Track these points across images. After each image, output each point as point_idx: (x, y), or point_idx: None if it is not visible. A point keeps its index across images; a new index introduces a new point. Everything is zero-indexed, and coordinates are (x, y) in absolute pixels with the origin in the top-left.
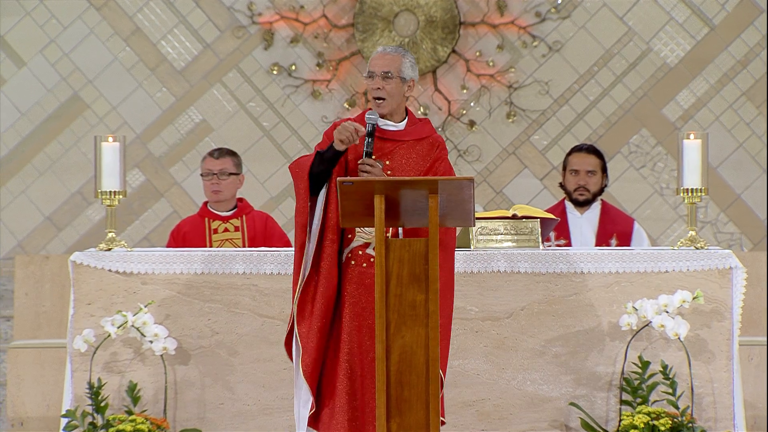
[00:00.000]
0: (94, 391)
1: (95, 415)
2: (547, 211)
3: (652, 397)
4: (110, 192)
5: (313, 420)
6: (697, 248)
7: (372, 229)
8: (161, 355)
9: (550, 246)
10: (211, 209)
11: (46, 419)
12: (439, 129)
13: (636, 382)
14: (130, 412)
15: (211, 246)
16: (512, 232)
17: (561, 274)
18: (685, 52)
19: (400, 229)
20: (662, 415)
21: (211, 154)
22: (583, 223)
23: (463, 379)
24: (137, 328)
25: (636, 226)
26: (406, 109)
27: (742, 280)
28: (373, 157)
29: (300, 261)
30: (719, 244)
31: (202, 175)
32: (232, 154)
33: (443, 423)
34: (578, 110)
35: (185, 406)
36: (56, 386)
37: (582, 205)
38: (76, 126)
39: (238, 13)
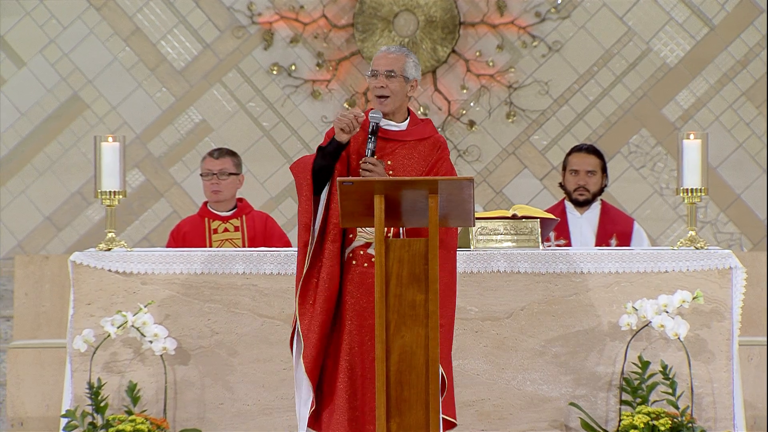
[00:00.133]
0: (94, 391)
1: (95, 415)
2: (547, 211)
3: (652, 397)
4: (110, 192)
5: (314, 420)
6: (697, 248)
7: (373, 229)
8: (161, 355)
9: (549, 246)
10: (210, 209)
11: (46, 419)
12: (439, 129)
13: (636, 382)
14: (129, 412)
15: (210, 246)
16: (512, 232)
17: (561, 274)
18: (685, 52)
19: (402, 229)
20: (662, 415)
21: (210, 154)
22: (583, 223)
23: (463, 379)
24: (137, 328)
25: (636, 226)
26: (408, 110)
27: (742, 280)
28: (375, 156)
29: (303, 260)
30: (719, 244)
31: (201, 175)
32: (231, 154)
33: (455, 425)
34: (578, 110)
35: (185, 406)
36: (56, 386)
37: (582, 205)
38: (75, 126)
39: (237, 13)
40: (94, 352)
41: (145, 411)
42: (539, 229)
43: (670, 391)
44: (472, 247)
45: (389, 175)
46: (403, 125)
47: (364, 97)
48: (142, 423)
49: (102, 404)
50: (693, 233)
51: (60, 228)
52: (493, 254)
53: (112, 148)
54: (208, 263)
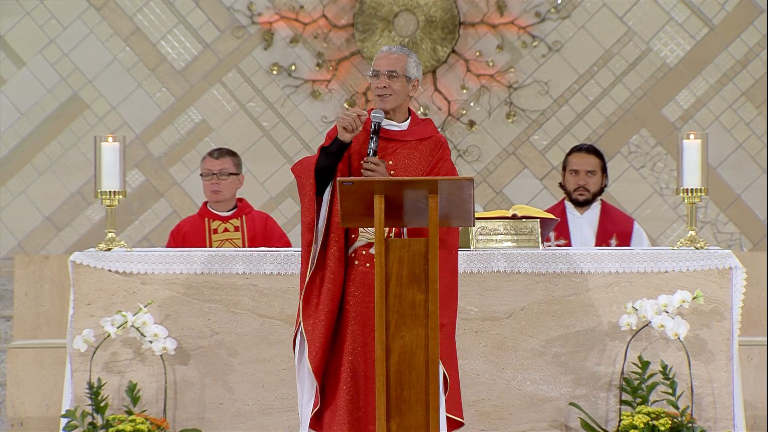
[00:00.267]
0: (94, 391)
1: (95, 415)
2: (547, 211)
3: (652, 397)
4: (110, 192)
5: (315, 421)
6: (696, 248)
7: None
8: (161, 355)
9: (549, 246)
10: (210, 209)
11: (46, 419)
12: (439, 129)
13: (636, 382)
14: (129, 412)
15: (210, 246)
16: (512, 232)
17: (561, 274)
18: (685, 52)
19: (404, 230)
20: (662, 415)
21: (210, 154)
22: (583, 223)
23: (463, 379)
24: (137, 328)
25: (636, 226)
26: (409, 109)
27: (742, 280)
28: (377, 156)
29: (306, 260)
30: (719, 244)
31: (201, 175)
32: (231, 154)
33: (462, 424)
34: (578, 110)
35: (185, 406)
36: (56, 386)
37: (582, 205)
38: (75, 126)
39: (237, 13)
40: (94, 352)
41: (145, 411)
42: (539, 229)
43: (670, 391)
44: (472, 247)
45: (390, 175)
46: (404, 125)
47: (364, 97)
48: (142, 423)
49: (102, 404)
50: (693, 233)
51: (60, 228)
52: (493, 254)
53: (112, 148)
54: (208, 263)
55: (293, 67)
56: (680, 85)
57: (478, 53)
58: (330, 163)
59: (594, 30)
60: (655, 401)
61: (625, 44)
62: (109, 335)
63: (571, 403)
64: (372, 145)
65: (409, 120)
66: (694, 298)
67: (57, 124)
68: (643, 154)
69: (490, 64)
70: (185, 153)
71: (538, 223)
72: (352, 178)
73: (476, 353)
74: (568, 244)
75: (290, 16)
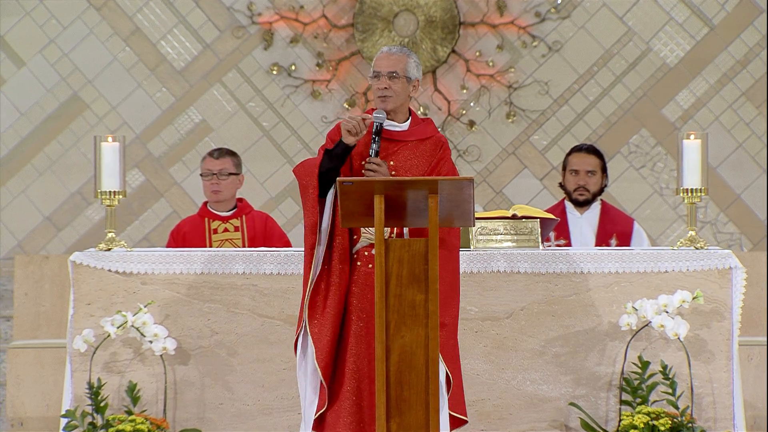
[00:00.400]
0: (94, 391)
1: (95, 415)
2: (547, 211)
3: (652, 397)
4: (110, 192)
5: (317, 423)
6: (696, 248)
7: None
8: (161, 355)
9: (549, 246)
10: (210, 209)
11: (46, 419)
12: (439, 129)
13: (636, 382)
14: (129, 412)
15: (210, 246)
16: (512, 232)
17: (561, 274)
18: (685, 52)
19: (406, 230)
20: (662, 415)
21: (210, 154)
22: (583, 223)
23: (464, 379)
24: (137, 328)
25: (636, 226)
26: (410, 109)
27: (742, 280)
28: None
29: (310, 263)
30: (719, 244)
31: (201, 175)
32: (231, 154)
33: (465, 422)
34: (578, 110)
35: (185, 406)
36: (56, 386)
37: (582, 205)
38: (75, 126)
39: (237, 13)
40: (94, 352)
41: (145, 411)
42: (539, 229)
43: (670, 391)
44: (472, 247)
45: (392, 175)
46: (405, 125)
47: (364, 97)
48: (142, 423)
49: (102, 404)
50: (693, 233)
51: (60, 228)
52: (493, 254)
53: (112, 148)
54: (208, 263)
55: (293, 67)
56: (680, 85)
57: (478, 53)
58: (333, 165)
59: (594, 30)
60: (655, 401)
61: (625, 44)
62: (109, 335)
63: (571, 403)
64: (374, 146)
65: (409, 120)
66: (694, 298)
67: (57, 124)
68: (643, 154)
69: (490, 64)
70: (185, 153)
71: (538, 223)
72: (352, 178)
73: (476, 353)
74: (568, 244)
75: (290, 16)
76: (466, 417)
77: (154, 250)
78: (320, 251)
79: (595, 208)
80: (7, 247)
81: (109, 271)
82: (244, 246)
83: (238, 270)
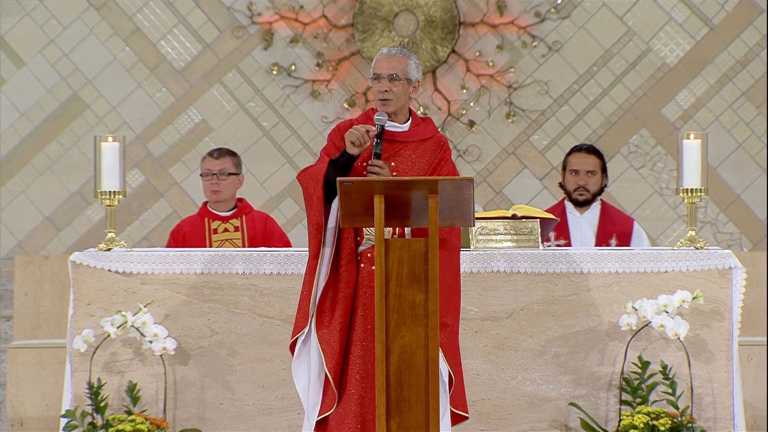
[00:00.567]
0: (94, 391)
1: (95, 415)
2: (547, 211)
3: (652, 397)
4: (110, 192)
5: (319, 424)
6: (696, 248)
7: None
8: (161, 355)
9: (549, 246)
10: (210, 209)
11: (46, 419)
12: (439, 129)
13: (636, 382)
14: (129, 412)
15: (210, 246)
16: (512, 232)
17: (561, 274)
18: (685, 52)
19: (407, 230)
20: (662, 415)
21: (210, 154)
22: (583, 223)
23: (464, 379)
24: (137, 328)
25: (636, 226)
26: (410, 110)
27: (742, 280)
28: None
29: (313, 270)
30: (719, 244)
31: (201, 175)
32: (231, 154)
33: (466, 418)
34: (578, 110)
35: (185, 406)
36: (56, 386)
37: (582, 205)
38: (75, 126)
39: (237, 13)
40: (94, 352)
41: (144, 411)
42: (539, 229)
43: (670, 391)
44: (472, 247)
45: (393, 176)
46: (406, 126)
47: (364, 97)
48: (142, 423)
49: (102, 404)
50: (693, 233)
51: (60, 228)
52: (493, 254)
53: (112, 148)
54: (208, 263)
55: (293, 67)
56: (680, 85)
57: (478, 53)
58: (338, 175)
59: (594, 30)
60: (655, 401)
61: (625, 44)
62: (109, 335)
63: (571, 403)
64: (376, 148)
65: (410, 121)
66: (694, 298)
67: (57, 124)
68: (643, 154)
69: (490, 64)
70: (185, 153)
71: (538, 223)
72: (352, 178)
73: (476, 353)
74: (568, 244)
75: (290, 16)
76: (467, 414)
77: (154, 250)
78: (325, 260)
79: (595, 208)
80: (7, 247)
81: (109, 271)
82: (244, 246)
83: (238, 270)
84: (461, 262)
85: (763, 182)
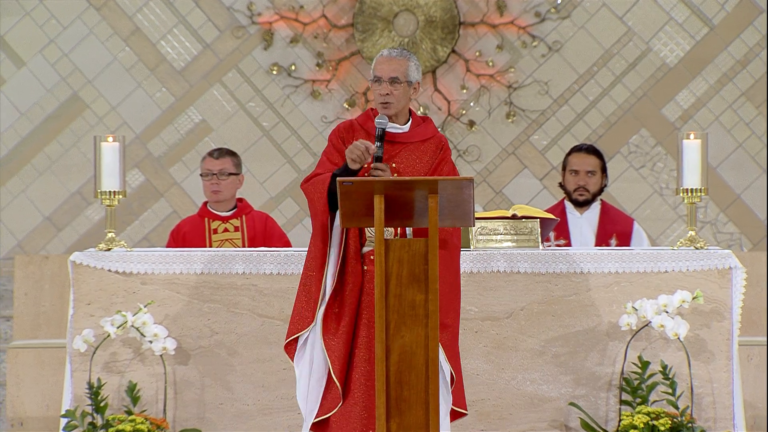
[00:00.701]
0: (94, 391)
1: (95, 415)
2: (547, 211)
3: (652, 397)
4: (110, 192)
5: (320, 425)
6: (696, 248)
7: None
8: (161, 355)
9: (549, 246)
10: (210, 209)
11: (46, 419)
12: (439, 129)
13: (636, 382)
14: (129, 412)
15: (210, 246)
16: (512, 232)
17: (561, 274)
18: (685, 52)
19: (409, 230)
20: (662, 415)
21: (210, 154)
22: (583, 223)
23: (463, 379)
24: (137, 328)
25: (636, 226)
26: (410, 110)
27: (742, 280)
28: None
29: (320, 279)
30: (719, 244)
31: (201, 175)
32: (231, 154)
33: (464, 414)
34: (578, 110)
35: (185, 406)
36: (56, 386)
37: (582, 205)
38: (75, 126)
39: (237, 13)
40: (94, 352)
41: (144, 411)
42: (539, 229)
43: (670, 391)
44: (472, 247)
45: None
46: (406, 127)
47: (364, 97)
48: (142, 423)
49: (102, 404)
50: (693, 233)
51: (60, 228)
52: (493, 254)
53: (112, 148)
54: (208, 263)
55: (293, 67)
56: (680, 85)
57: (478, 53)
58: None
59: (594, 30)
60: (655, 401)
61: (625, 44)
62: (109, 335)
63: (571, 403)
64: (378, 151)
65: (410, 121)
66: (694, 298)
67: (57, 124)
68: (643, 154)
69: (490, 64)
70: (185, 153)
71: (538, 223)
72: (352, 178)
73: (476, 353)
74: (568, 244)
75: (290, 16)
76: (466, 410)
77: (154, 250)
78: (332, 260)
79: (595, 208)
80: (7, 247)
81: (109, 271)
82: (244, 246)
83: (238, 270)
84: (461, 262)
85: (763, 182)
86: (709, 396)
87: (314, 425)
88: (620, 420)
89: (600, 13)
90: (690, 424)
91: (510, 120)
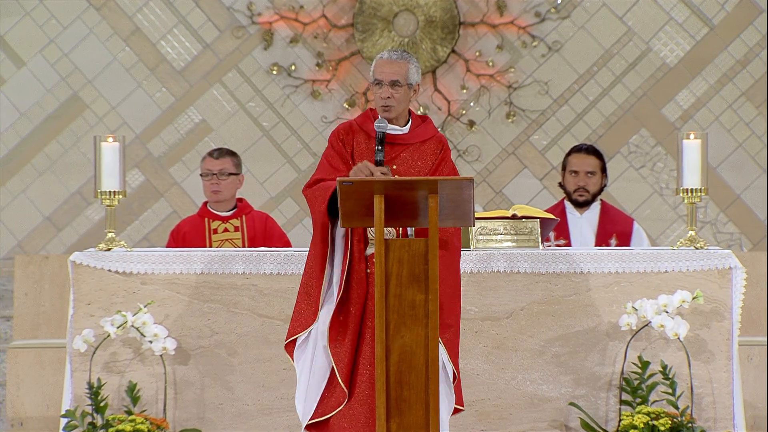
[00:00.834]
0: (94, 391)
1: (95, 415)
2: (547, 211)
3: (652, 397)
4: (110, 192)
5: (320, 426)
6: (696, 248)
7: None
8: (161, 355)
9: (549, 246)
10: (210, 209)
11: (46, 419)
12: (439, 129)
13: (636, 382)
14: (129, 412)
15: (210, 246)
16: (512, 232)
17: (561, 274)
18: (685, 52)
19: (410, 231)
20: (662, 415)
21: (210, 154)
22: (583, 223)
23: (463, 379)
24: (137, 328)
25: (636, 226)
26: (409, 111)
27: (742, 280)
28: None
29: (320, 280)
30: (719, 244)
31: (201, 175)
32: (231, 154)
33: (461, 410)
34: (578, 110)
35: (185, 406)
36: (56, 386)
37: (581, 205)
38: (75, 126)
39: (237, 13)
40: (94, 352)
41: (144, 411)
42: (539, 229)
43: (670, 391)
44: (472, 247)
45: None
46: (406, 128)
47: (364, 97)
48: (142, 423)
49: (102, 404)
50: (693, 233)
51: (60, 228)
52: (493, 254)
53: (112, 148)
54: (208, 263)
55: (293, 67)
56: (680, 85)
57: (478, 53)
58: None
59: (594, 30)
60: (655, 401)
61: (625, 44)
62: (109, 335)
63: (571, 403)
64: (378, 155)
65: (410, 123)
66: (694, 298)
67: (57, 124)
68: (643, 154)
69: (490, 64)
70: (185, 153)
71: (538, 223)
72: (352, 178)
73: (476, 353)
74: (568, 244)
75: (290, 16)
76: (463, 406)
77: (154, 250)
78: (337, 265)
79: (595, 208)
80: (7, 247)
81: (109, 271)
82: (244, 246)
83: (238, 270)
84: (461, 262)
85: (763, 182)
86: (709, 396)
87: (310, 426)
88: (620, 420)
89: (600, 13)
90: (690, 424)
91: (510, 120)
